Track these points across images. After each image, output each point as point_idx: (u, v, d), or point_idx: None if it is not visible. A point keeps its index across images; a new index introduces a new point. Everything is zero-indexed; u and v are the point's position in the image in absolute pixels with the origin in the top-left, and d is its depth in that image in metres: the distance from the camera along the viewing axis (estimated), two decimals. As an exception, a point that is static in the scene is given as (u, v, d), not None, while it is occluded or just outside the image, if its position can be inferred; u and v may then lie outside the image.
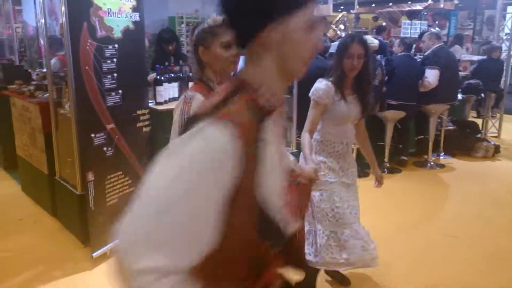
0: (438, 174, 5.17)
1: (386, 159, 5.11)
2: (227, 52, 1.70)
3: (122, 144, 3.16)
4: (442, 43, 5.22)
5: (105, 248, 3.11)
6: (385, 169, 5.06)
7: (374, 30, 7.72)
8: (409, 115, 5.05)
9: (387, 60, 4.90)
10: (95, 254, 3.05)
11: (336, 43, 5.12)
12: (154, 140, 3.53)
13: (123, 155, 3.19)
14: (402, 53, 5.18)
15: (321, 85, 2.38)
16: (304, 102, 4.51)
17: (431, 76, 4.88)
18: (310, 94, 2.41)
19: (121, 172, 3.19)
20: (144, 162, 3.43)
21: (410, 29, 8.99)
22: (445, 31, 10.01)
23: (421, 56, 5.32)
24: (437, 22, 9.38)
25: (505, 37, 7.72)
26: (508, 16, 7.86)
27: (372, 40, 4.58)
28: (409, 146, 5.53)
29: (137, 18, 3.08)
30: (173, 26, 8.70)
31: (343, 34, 5.91)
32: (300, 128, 4.64)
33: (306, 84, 4.62)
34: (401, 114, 4.94)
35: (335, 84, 2.38)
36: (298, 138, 4.57)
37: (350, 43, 2.33)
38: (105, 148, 3.03)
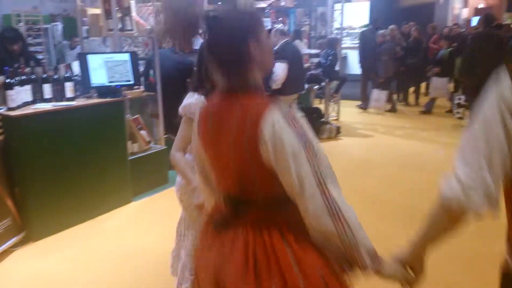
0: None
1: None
2: (270, 41, 1.36)
3: (-27, 157, 2.83)
4: (287, 38, 5.77)
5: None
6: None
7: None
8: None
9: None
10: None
11: (200, 39, 5.20)
12: (10, 149, 3.24)
13: (-25, 169, 2.87)
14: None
15: (192, 100, 2.10)
16: (169, 100, 4.55)
17: (279, 69, 5.36)
18: (180, 110, 2.12)
19: (-25, 188, 2.87)
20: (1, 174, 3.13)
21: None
22: (286, 28, 10.94)
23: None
24: (279, 19, 10.19)
25: (335, 32, 8.83)
26: (337, 12, 8.98)
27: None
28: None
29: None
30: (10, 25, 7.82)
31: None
32: (166, 126, 4.67)
33: (168, 79, 4.67)
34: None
35: (207, 97, 2.03)
36: (166, 136, 4.64)
37: None
38: (-47, 163, 2.68)
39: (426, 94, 9.20)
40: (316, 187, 1.15)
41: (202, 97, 2.01)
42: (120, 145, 4.01)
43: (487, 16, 6.64)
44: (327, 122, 6.68)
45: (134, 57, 4.02)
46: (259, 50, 1.26)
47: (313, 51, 8.04)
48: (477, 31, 6.87)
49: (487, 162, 1.00)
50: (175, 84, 4.64)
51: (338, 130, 6.55)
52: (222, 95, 1.28)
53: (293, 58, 5.46)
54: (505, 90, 0.99)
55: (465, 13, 15.37)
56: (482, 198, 0.99)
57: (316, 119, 6.61)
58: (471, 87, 6.77)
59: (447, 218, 1.08)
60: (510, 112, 0.98)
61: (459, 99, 7.35)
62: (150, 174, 4.43)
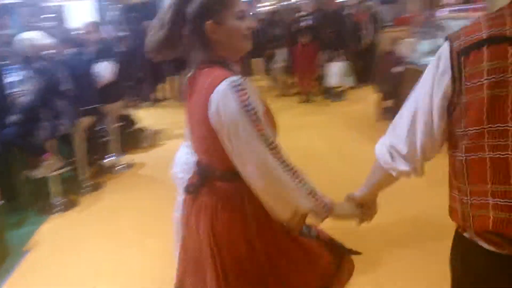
0: (138, 174, 4.82)
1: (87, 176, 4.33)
2: (243, 24, 1.35)
3: None
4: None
5: None
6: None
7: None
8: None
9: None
10: None
11: None
12: None
13: None
14: None
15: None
16: None
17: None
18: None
19: None
20: None
21: None
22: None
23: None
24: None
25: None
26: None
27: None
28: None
29: None
30: None
31: None
32: None
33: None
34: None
35: None
36: None
37: None
38: None
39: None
40: (264, 148, 1.22)
41: None
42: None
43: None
44: (143, 129, 5.84)
45: None
46: (220, 33, 1.32)
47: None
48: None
49: (410, 130, 1.11)
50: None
51: (157, 135, 5.83)
52: (197, 68, 1.37)
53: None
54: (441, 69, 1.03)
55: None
56: (404, 160, 1.14)
57: (128, 128, 5.63)
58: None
59: (381, 173, 1.24)
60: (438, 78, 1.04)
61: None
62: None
